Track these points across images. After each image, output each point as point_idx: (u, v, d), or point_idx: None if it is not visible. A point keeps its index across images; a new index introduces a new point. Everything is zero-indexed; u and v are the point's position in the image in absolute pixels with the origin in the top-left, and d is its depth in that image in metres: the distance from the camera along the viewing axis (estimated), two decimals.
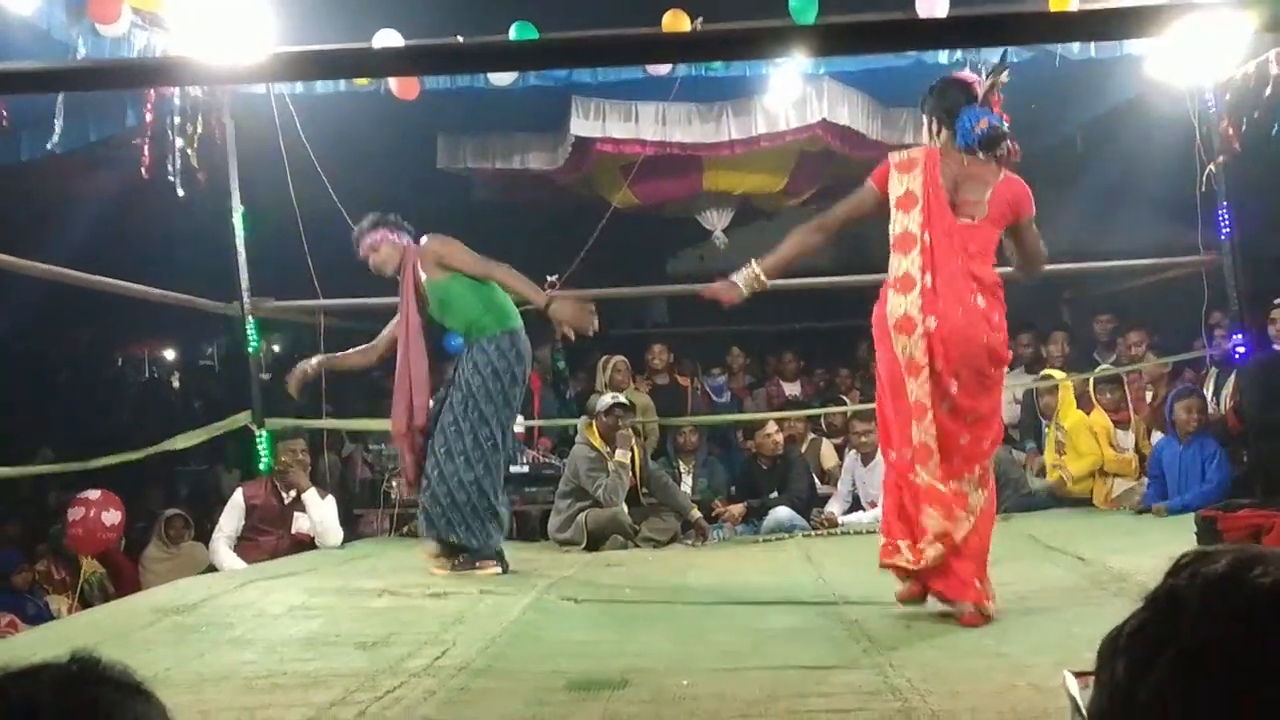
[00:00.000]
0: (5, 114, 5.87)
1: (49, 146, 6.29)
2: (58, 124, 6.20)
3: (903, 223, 4.40)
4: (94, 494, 7.07)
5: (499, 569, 5.82)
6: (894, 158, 4.54)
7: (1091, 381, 7.95)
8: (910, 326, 4.28)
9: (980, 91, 4.50)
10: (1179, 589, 0.85)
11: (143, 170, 6.45)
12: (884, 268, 4.51)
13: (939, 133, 4.54)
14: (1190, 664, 0.80)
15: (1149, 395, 8.10)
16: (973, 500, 4.31)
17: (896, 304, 4.33)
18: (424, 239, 6.03)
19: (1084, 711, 0.88)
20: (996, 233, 4.43)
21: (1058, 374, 8.11)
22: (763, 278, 4.60)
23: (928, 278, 4.29)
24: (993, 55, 7.43)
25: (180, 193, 6.71)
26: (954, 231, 4.35)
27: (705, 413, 9.45)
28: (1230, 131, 6.99)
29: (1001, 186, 4.41)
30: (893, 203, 4.43)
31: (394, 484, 7.91)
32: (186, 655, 3.99)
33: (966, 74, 4.86)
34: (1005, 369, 4.60)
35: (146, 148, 6.46)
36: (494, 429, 5.83)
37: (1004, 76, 4.55)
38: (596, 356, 9.39)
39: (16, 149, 7.11)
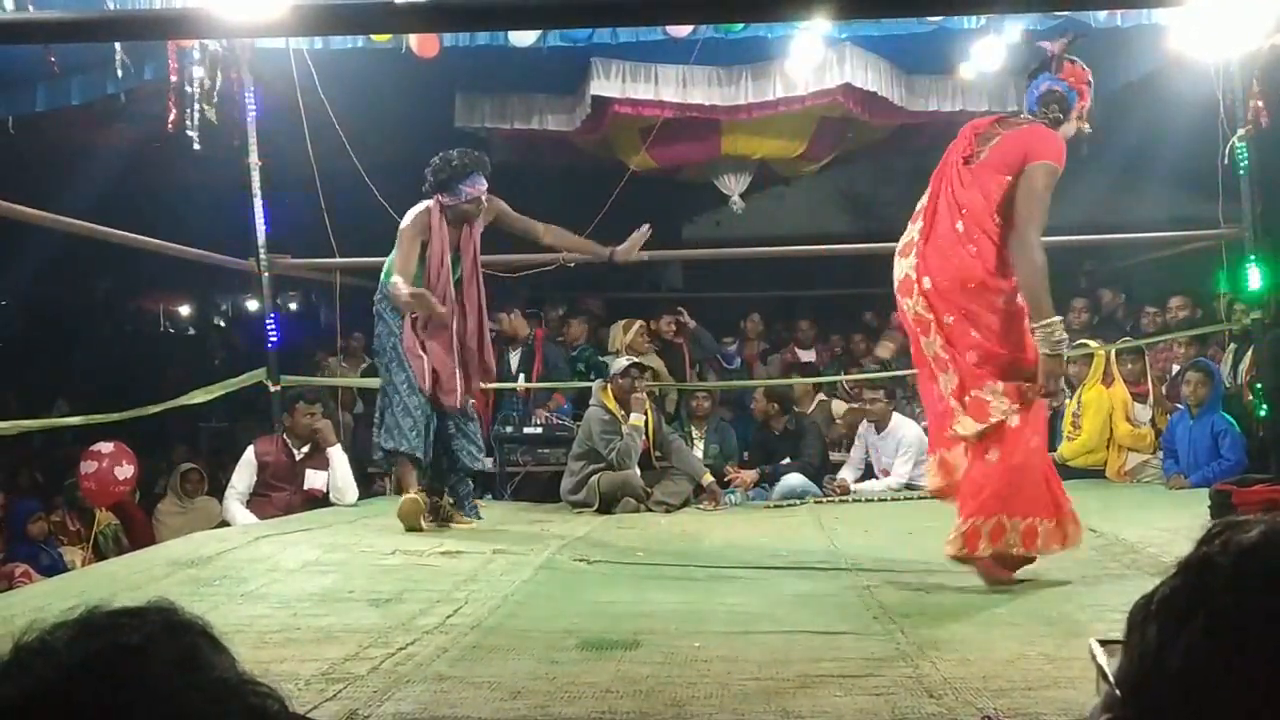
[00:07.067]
0: (54, 60, 5.90)
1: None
2: (122, 64, 6.26)
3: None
4: (107, 447, 7.07)
5: None
6: None
7: (1113, 352, 7.90)
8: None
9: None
10: (1212, 556, 0.84)
11: (168, 124, 6.46)
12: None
13: None
14: (1222, 631, 0.80)
15: (1175, 369, 8.04)
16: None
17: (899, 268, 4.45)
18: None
19: (1111, 679, 0.88)
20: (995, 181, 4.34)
21: (1093, 343, 8.06)
22: None
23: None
24: (1014, 22, 7.41)
25: (197, 147, 6.70)
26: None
27: (716, 379, 9.43)
28: (1261, 104, 6.90)
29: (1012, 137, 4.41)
30: None
31: None
32: (201, 609, 3.94)
33: None
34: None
35: (167, 102, 6.45)
36: None
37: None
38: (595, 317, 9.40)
39: (32, 99, 7.10)
